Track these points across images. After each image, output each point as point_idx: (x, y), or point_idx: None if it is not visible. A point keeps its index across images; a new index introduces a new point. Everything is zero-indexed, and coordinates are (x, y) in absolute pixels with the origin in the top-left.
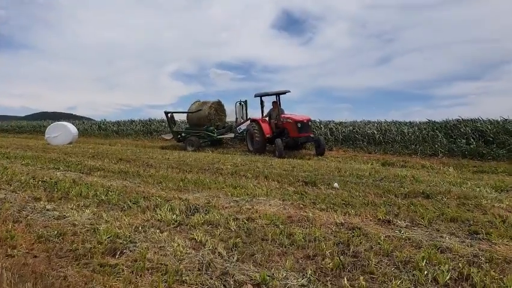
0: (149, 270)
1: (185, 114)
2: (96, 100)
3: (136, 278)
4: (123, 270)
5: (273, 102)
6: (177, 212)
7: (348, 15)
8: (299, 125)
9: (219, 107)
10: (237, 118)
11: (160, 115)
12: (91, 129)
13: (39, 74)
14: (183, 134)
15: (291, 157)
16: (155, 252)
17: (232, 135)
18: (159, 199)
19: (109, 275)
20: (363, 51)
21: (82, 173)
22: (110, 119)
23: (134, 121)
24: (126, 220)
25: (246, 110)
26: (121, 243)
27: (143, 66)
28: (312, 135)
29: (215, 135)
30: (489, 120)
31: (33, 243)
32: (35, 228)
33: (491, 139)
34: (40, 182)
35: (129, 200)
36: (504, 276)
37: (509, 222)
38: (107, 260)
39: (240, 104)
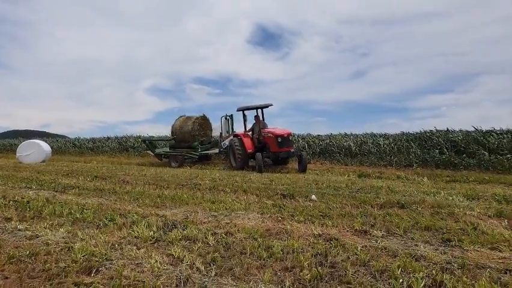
0: None
1: (171, 127)
2: (70, 117)
3: None
4: None
5: (255, 117)
6: (154, 229)
7: (322, 30)
8: (279, 139)
9: (203, 121)
10: (221, 133)
11: (136, 131)
12: (65, 146)
13: (11, 92)
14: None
15: (270, 171)
16: (132, 269)
17: (217, 150)
18: (136, 216)
19: None
20: (339, 66)
21: (56, 191)
22: (85, 136)
23: (109, 138)
24: (102, 238)
25: (232, 124)
26: (96, 261)
27: (119, 83)
28: (292, 150)
29: (198, 152)
30: (460, 131)
31: (4, 264)
32: (6, 249)
33: (462, 149)
34: (11, 202)
35: (105, 217)
36: (476, 282)
37: (480, 229)
38: (82, 278)
39: (226, 118)
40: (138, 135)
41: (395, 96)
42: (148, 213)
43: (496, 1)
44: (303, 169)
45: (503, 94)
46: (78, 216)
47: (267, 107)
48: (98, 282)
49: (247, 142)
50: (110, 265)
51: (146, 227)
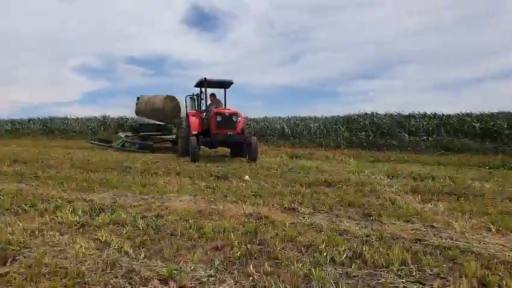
0: (46, 276)
1: (135, 107)
2: None
3: (30, 285)
4: (15, 278)
5: (211, 94)
6: (80, 213)
7: (258, 14)
8: (219, 118)
9: (174, 101)
10: (179, 114)
11: (65, 113)
12: None
13: None
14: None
15: (206, 154)
16: (54, 256)
17: (173, 136)
18: (60, 201)
19: None
20: (274, 50)
21: None
22: (5, 117)
23: (32, 119)
24: (20, 225)
25: (200, 105)
26: (13, 249)
27: (42, 60)
28: (230, 133)
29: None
30: (385, 114)
31: None
32: None
33: (386, 131)
34: None
35: (24, 203)
36: (390, 251)
37: (397, 204)
38: None
39: (192, 98)
40: (66, 116)
41: (326, 81)
42: (73, 197)
43: None
44: (252, 158)
45: (422, 82)
46: None
47: (229, 84)
48: (15, 272)
49: (194, 122)
50: (29, 253)
51: (71, 212)
